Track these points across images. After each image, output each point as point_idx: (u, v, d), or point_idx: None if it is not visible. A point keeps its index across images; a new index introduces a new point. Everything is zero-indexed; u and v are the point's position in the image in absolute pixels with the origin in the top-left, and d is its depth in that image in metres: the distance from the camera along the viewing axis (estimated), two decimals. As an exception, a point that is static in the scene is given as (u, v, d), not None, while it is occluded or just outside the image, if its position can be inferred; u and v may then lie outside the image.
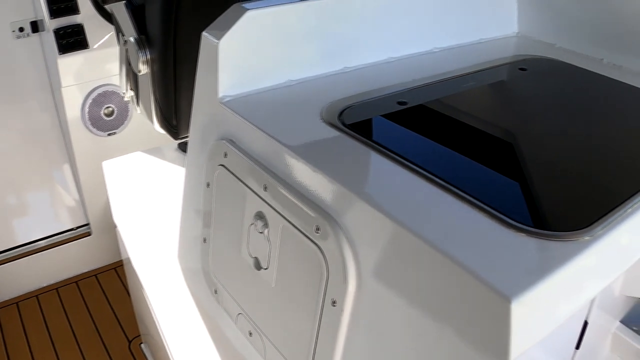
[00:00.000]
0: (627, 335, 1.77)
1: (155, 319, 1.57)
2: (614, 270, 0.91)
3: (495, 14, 1.64)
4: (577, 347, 1.59)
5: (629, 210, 0.89)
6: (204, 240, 1.29)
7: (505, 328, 0.69)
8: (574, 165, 1.03)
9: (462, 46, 1.54)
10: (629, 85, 1.36)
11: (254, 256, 1.11)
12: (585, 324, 1.54)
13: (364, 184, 0.90)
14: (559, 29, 1.62)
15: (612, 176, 1.00)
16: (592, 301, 1.51)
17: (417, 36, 1.45)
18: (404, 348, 0.84)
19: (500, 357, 0.70)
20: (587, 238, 0.81)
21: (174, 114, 1.73)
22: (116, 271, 3.12)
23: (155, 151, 2.13)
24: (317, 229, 0.93)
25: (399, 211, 0.83)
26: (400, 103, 1.20)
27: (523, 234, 0.80)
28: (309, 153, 0.98)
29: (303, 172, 0.97)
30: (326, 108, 1.14)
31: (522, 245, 0.79)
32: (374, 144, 1.01)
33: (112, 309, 2.90)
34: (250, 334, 1.18)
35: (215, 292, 1.29)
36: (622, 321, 1.81)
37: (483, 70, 1.39)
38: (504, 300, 0.68)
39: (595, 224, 0.84)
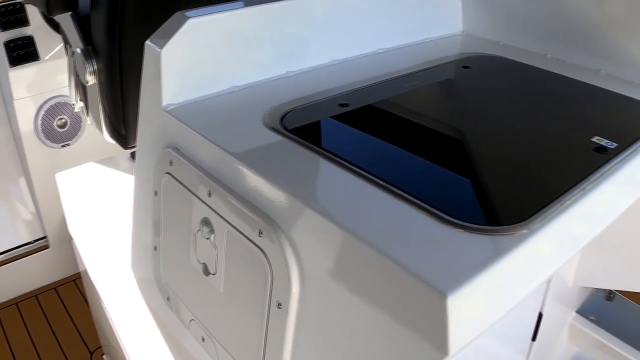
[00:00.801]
0: (584, 326, 1.80)
1: (114, 330, 1.55)
2: (553, 262, 0.92)
3: (440, 13, 1.66)
4: (534, 338, 1.61)
5: (567, 203, 0.90)
6: (155, 248, 1.28)
7: (443, 323, 0.70)
8: (514, 160, 1.04)
9: (406, 46, 1.55)
10: (573, 79, 1.38)
11: (202, 262, 1.11)
12: (540, 315, 1.56)
13: (303, 187, 0.91)
14: (503, 26, 1.64)
15: (552, 169, 1.01)
16: (546, 293, 1.54)
17: (361, 38, 1.46)
18: (350, 346, 0.85)
19: (440, 351, 0.71)
20: (524, 231, 0.82)
21: (123, 124, 1.72)
22: (75, 283, 3.08)
23: (108, 161, 2.11)
24: (260, 232, 0.93)
25: (338, 213, 0.84)
26: (342, 105, 1.20)
27: (460, 230, 0.81)
28: (250, 158, 0.98)
29: (244, 177, 0.97)
30: (268, 113, 1.14)
31: (460, 240, 0.80)
32: (314, 147, 1.02)
33: (72, 321, 2.86)
34: (203, 339, 1.18)
35: (168, 299, 1.28)
36: (578, 311, 1.83)
37: (426, 69, 1.41)
38: (440, 295, 0.69)
39: (533, 217, 0.85)
